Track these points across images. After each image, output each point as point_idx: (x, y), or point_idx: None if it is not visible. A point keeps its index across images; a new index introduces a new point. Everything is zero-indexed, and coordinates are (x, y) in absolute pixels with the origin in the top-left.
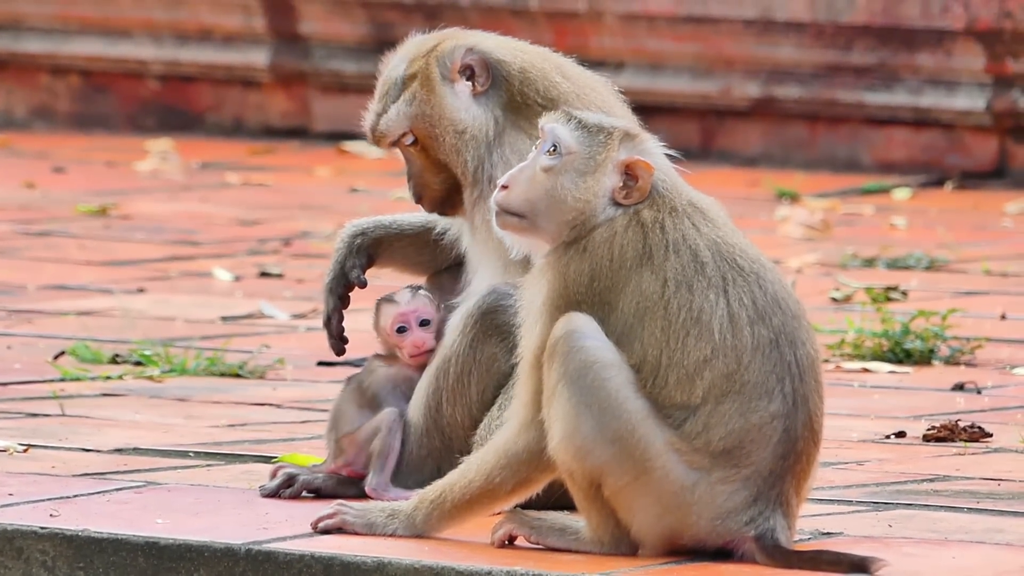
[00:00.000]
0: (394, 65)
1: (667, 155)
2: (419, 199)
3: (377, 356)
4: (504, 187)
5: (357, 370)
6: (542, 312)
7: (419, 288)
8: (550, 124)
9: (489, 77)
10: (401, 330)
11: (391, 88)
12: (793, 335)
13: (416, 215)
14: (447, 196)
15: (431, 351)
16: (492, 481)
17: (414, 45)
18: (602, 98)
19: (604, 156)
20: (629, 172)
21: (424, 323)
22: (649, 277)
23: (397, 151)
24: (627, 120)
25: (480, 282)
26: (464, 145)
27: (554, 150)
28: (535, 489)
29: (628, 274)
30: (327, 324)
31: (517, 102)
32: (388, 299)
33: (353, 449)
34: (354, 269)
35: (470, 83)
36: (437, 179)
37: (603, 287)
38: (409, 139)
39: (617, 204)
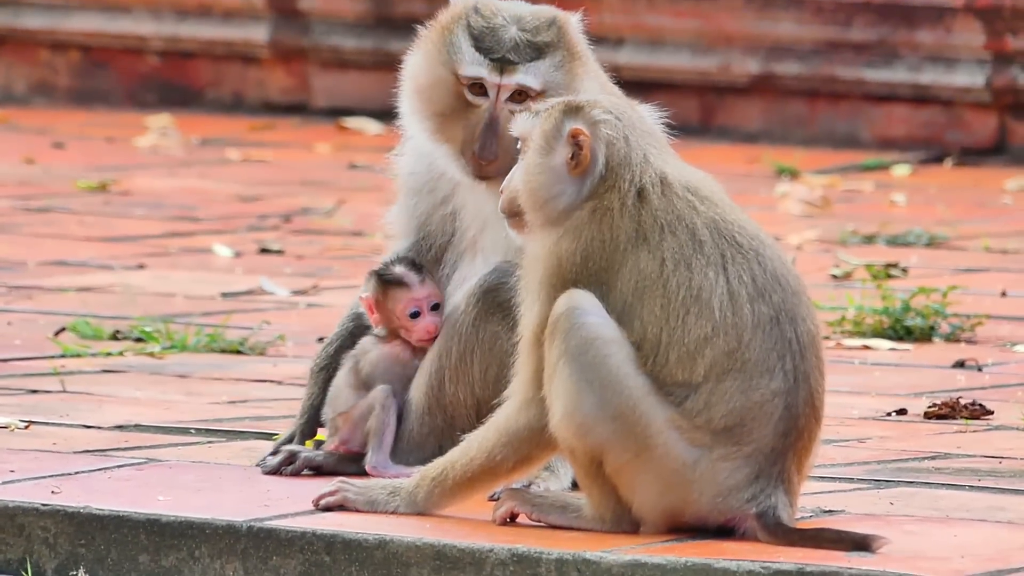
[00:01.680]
0: (531, 21)
1: (660, 126)
2: (492, 159)
3: (373, 336)
4: (500, 192)
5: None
6: (539, 291)
7: (414, 262)
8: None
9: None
10: (414, 315)
11: (538, 43)
12: (793, 312)
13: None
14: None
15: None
16: (493, 459)
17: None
18: (612, 90)
19: (551, 131)
20: (575, 141)
21: (435, 307)
22: (646, 257)
23: (490, 100)
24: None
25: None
26: None
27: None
28: (536, 466)
29: (623, 255)
30: (288, 462)
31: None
32: (397, 281)
33: (348, 428)
34: None
35: None
36: None
37: (598, 267)
38: (533, 93)
39: (578, 178)
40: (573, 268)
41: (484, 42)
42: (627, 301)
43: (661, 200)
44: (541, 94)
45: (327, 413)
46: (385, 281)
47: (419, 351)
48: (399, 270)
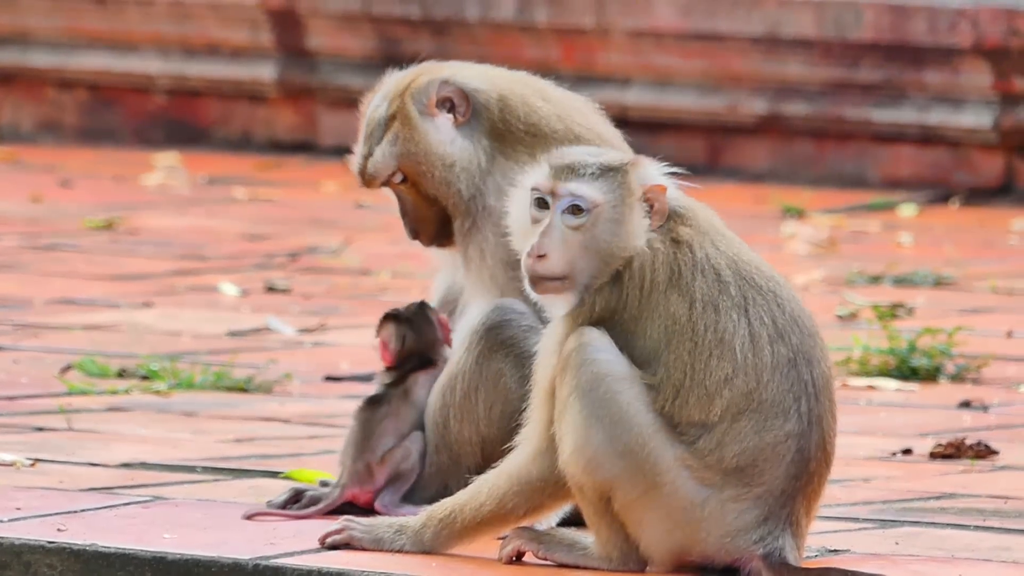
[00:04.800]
0: (375, 105)
1: (670, 172)
2: (416, 235)
3: (412, 369)
4: (541, 256)
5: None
6: (563, 341)
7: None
8: (563, 184)
9: (469, 107)
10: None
11: (374, 129)
12: (810, 354)
13: None
14: (442, 229)
15: None
16: (504, 507)
17: (392, 83)
18: (584, 116)
19: (631, 197)
20: (647, 200)
21: None
22: (676, 299)
23: (388, 191)
24: (614, 137)
25: (475, 308)
26: (455, 177)
27: (576, 208)
28: (548, 515)
29: (658, 298)
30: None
31: (499, 129)
32: (419, 305)
33: (383, 475)
34: None
35: (451, 115)
36: (431, 213)
37: (630, 316)
38: (399, 178)
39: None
40: (604, 317)
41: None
42: (653, 348)
43: (697, 238)
44: (400, 170)
45: (361, 457)
46: (414, 311)
47: None
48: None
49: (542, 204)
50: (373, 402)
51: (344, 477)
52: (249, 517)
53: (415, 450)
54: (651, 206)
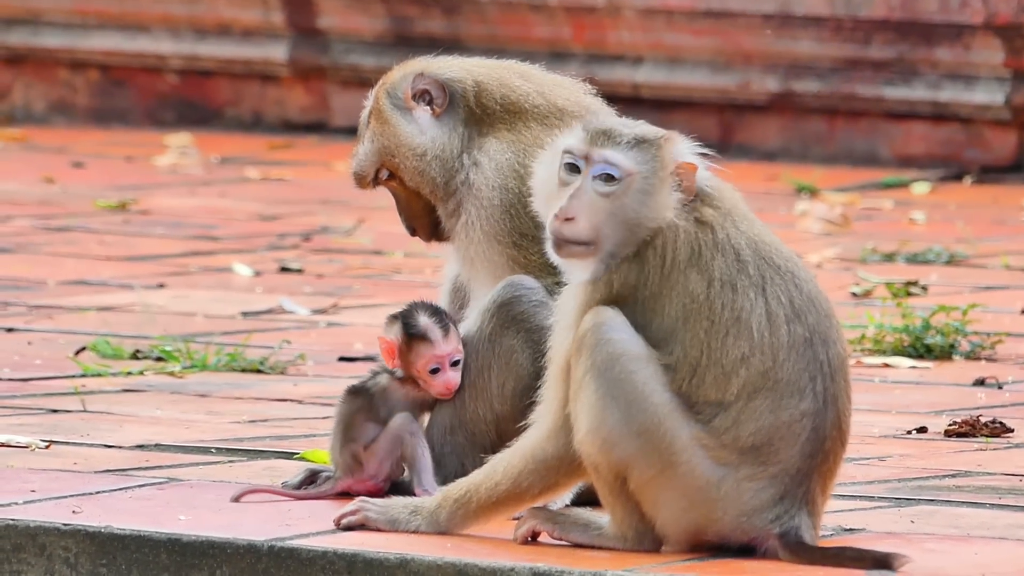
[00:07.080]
0: (366, 105)
1: (700, 152)
2: (413, 231)
3: (389, 375)
4: (568, 219)
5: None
6: (579, 317)
7: (441, 313)
8: (598, 150)
9: (446, 97)
10: (434, 371)
11: (361, 129)
12: (826, 334)
13: None
14: (436, 222)
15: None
16: (519, 485)
17: (380, 80)
18: (569, 92)
19: (664, 170)
20: (678, 176)
21: (455, 363)
22: (695, 277)
23: (385, 191)
24: (604, 112)
25: (477, 291)
26: (427, 166)
27: (608, 176)
28: (563, 493)
29: (677, 276)
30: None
31: (477, 114)
32: (421, 336)
33: (375, 463)
34: None
35: (429, 107)
36: (421, 207)
37: (650, 294)
38: (385, 174)
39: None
40: (623, 295)
41: None
42: (671, 326)
43: (719, 218)
44: (384, 167)
45: (344, 448)
46: (409, 334)
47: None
48: (423, 322)
49: (573, 168)
50: (352, 393)
51: (337, 470)
52: (236, 499)
53: (407, 433)
54: (680, 183)
